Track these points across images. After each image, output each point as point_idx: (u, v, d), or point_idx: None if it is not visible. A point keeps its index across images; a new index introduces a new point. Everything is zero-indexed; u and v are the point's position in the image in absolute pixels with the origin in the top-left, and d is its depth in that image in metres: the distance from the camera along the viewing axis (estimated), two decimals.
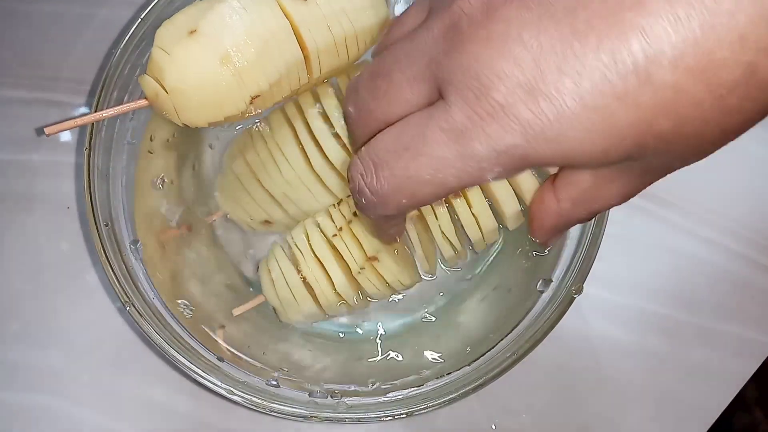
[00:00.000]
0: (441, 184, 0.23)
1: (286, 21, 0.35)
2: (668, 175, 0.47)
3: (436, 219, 0.37)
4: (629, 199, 0.27)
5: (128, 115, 0.41)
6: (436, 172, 0.23)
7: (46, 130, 0.35)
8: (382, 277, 0.39)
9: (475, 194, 0.37)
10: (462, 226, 0.38)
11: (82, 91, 0.48)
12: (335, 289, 0.38)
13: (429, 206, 0.37)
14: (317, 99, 0.39)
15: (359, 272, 0.38)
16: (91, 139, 0.38)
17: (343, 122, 0.38)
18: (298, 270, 0.39)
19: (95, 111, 0.38)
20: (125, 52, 0.39)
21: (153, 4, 0.40)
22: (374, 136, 0.26)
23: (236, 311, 0.39)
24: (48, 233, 0.46)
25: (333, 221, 0.39)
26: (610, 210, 0.38)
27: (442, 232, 0.38)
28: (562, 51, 0.20)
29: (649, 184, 0.26)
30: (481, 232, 0.38)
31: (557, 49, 0.20)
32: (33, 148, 0.48)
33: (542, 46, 0.21)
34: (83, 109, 0.48)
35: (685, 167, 0.49)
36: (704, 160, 0.47)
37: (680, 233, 0.47)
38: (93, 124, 0.38)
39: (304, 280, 0.39)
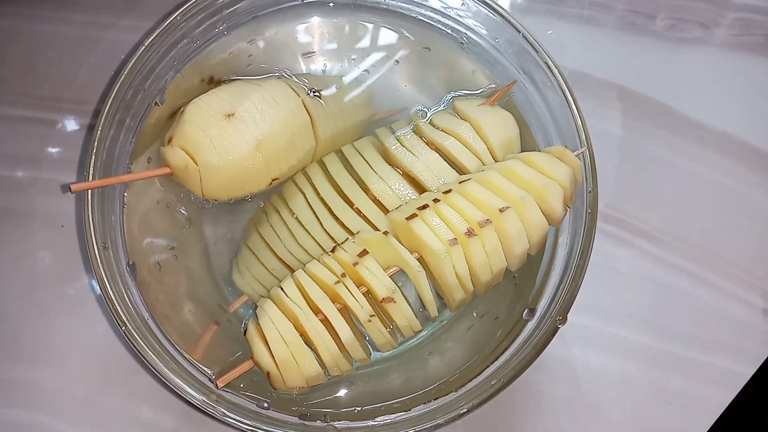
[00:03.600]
0: None
1: (308, 117, 0.41)
2: (652, 209, 0.49)
3: (452, 261, 0.37)
4: None
5: (128, 138, 0.42)
6: None
7: (72, 188, 0.36)
8: (395, 322, 0.38)
9: (489, 234, 0.37)
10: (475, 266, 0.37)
11: (84, 112, 0.49)
12: (341, 343, 0.37)
13: (444, 249, 0.36)
14: (323, 166, 0.42)
15: (369, 320, 0.37)
16: (91, 162, 0.39)
17: (347, 183, 0.41)
18: (297, 325, 0.37)
19: (99, 132, 0.39)
20: (130, 77, 0.40)
21: (158, 31, 0.41)
22: None
23: (222, 381, 0.37)
24: (42, 251, 0.47)
25: (332, 267, 0.37)
26: (594, 242, 0.39)
27: (457, 274, 0.37)
28: None
29: None
30: (492, 273, 0.38)
31: None
32: (30, 166, 0.48)
33: None
34: (77, 129, 0.49)
35: (668, 201, 0.51)
36: (688, 195, 0.49)
37: (662, 266, 0.49)
38: (94, 147, 0.39)
39: (304, 336, 0.36)
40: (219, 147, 0.38)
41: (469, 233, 0.36)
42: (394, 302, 0.36)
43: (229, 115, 0.39)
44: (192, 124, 0.38)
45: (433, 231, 0.37)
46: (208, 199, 0.41)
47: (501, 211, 0.37)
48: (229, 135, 0.38)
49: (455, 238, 0.36)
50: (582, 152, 0.40)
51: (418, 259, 0.37)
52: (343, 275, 0.37)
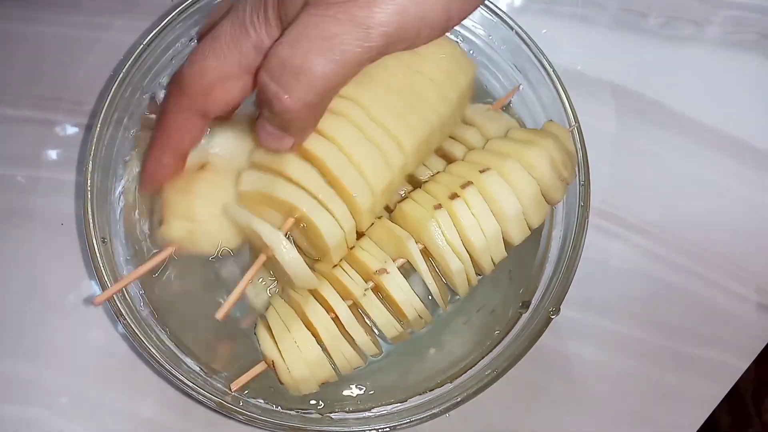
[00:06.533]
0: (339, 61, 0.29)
1: None
2: (645, 204, 0.50)
3: (453, 250, 0.37)
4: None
5: (126, 134, 0.42)
6: (331, 54, 0.29)
7: (96, 300, 0.36)
8: (406, 318, 0.38)
9: (487, 221, 0.36)
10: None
11: (83, 112, 0.50)
12: (352, 340, 0.37)
13: (448, 241, 0.36)
14: None
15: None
16: (91, 157, 0.39)
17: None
18: (320, 344, 0.37)
19: (98, 130, 0.39)
20: (128, 75, 0.41)
21: (156, 30, 0.42)
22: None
23: (235, 384, 0.37)
24: (42, 249, 0.47)
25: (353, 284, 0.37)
26: (589, 237, 0.40)
27: (463, 263, 0.37)
28: None
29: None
30: (493, 263, 0.38)
31: None
32: (30, 165, 0.49)
33: None
34: (76, 129, 0.50)
35: (662, 196, 0.51)
36: (681, 191, 0.50)
37: (656, 260, 0.49)
38: (93, 143, 0.40)
39: (316, 337, 0.37)
40: (209, 197, 0.37)
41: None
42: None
43: (202, 167, 0.38)
44: (172, 191, 0.38)
45: (442, 231, 0.36)
46: (227, 252, 0.39)
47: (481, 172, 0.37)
48: (212, 182, 0.38)
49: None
50: (572, 129, 0.41)
51: (422, 250, 0.37)
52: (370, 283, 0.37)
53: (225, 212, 0.37)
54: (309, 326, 0.37)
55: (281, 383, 0.37)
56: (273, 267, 0.39)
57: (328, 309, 0.37)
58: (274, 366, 0.37)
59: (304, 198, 0.35)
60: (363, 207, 0.35)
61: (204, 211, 0.37)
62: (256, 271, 0.36)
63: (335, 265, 0.37)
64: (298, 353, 0.36)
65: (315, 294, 0.37)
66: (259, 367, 0.37)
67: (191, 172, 0.38)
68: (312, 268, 0.36)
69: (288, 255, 0.34)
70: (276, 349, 0.36)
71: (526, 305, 0.40)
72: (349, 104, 0.35)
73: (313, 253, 0.38)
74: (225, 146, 0.38)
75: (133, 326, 0.37)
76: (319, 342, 0.36)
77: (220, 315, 0.35)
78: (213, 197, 0.37)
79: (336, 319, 0.36)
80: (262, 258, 0.36)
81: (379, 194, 0.35)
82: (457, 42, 0.46)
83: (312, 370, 0.36)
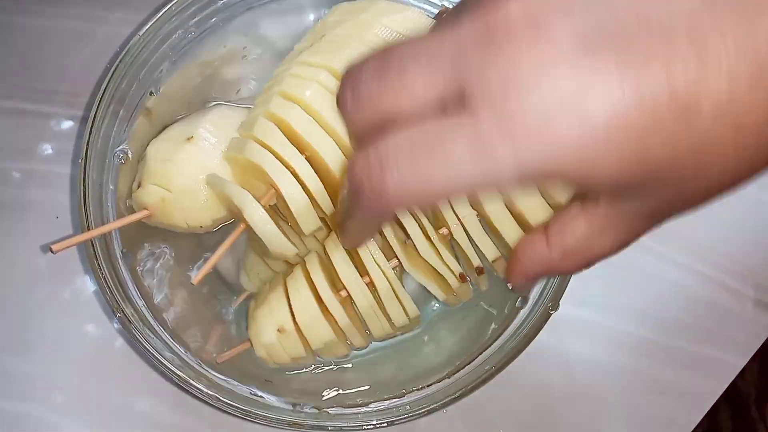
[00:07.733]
0: (450, 191, 0.21)
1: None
2: None
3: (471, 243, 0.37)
4: (621, 249, 0.25)
5: (122, 127, 0.42)
6: (449, 179, 0.21)
7: (53, 248, 0.35)
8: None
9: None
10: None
11: (78, 104, 0.49)
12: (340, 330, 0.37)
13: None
14: None
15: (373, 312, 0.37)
16: (86, 150, 0.39)
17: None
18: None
19: (93, 122, 0.39)
20: (124, 67, 0.40)
21: (152, 22, 0.41)
22: (374, 131, 0.22)
23: (221, 358, 0.38)
24: (37, 242, 0.47)
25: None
26: None
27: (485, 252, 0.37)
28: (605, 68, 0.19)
29: (642, 234, 0.25)
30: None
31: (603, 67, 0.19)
32: (25, 159, 0.48)
33: (587, 67, 0.19)
34: (71, 122, 0.49)
35: None
36: None
37: (653, 257, 0.49)
38: (89, 135, 0.39)
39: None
40: (189, 169, 0.37)
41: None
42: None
43: (189, 138, 0.38)
44: (155, 159, 0.38)
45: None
46: (196, 228, 0.40)
47: None
48: (194, 156, 0.38)
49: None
50: None
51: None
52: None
53: (209, 183, 0.37)
54: (288, 300, 0.37)
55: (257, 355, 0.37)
56: (253, 240, 0.39)
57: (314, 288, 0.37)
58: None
59: (267, 157, 0.34)
60: (332, 166, 0.34)
61: (180, 182, 0.37)
62: (235, 238, 0.36)
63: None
64: (270, 320, 0.36)
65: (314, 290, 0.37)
66: (246, 344, 0.37)
67: (177, 142, 0.38)
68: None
69: (255, 214, 0.34)
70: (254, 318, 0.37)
71: (524, 300, 0.40)
72: (321, 71, 0.35)
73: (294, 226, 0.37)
74: (216, 123, 0.38)
75: (128, 319, 0.37)
76: (293, 316, 0.36)
77: (195, 280, 0.35)
78: (192, 171, 0.37)
79: (318, 298, 0.37)
80: (241, 227, 0.36)
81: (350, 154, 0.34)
82: None
83: (281, 341, 0.37)
